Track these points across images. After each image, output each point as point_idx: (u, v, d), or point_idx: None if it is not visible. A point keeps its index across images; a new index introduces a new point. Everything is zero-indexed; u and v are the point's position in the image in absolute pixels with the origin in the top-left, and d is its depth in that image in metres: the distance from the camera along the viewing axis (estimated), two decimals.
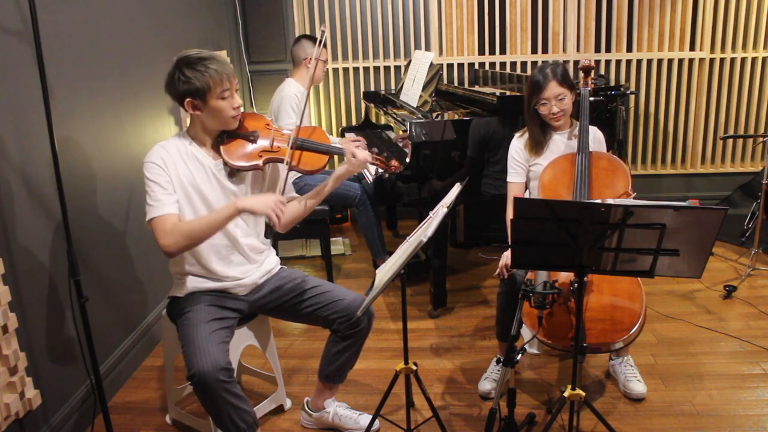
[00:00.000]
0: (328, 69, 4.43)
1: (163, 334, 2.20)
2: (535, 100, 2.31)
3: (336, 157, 2.05)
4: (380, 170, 2.06)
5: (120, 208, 2.59)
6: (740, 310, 3.03)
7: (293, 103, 3.26)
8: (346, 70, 4.47)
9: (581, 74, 2.44)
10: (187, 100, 1.87)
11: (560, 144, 2.41)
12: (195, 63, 1.84)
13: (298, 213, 2.08)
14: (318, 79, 3.51)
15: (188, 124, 2.03)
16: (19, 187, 1.98)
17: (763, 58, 4.30)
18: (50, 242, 2.12)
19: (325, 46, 3.42)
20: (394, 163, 2.03)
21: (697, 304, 3.11)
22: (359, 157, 1.99)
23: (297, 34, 4.29)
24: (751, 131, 4.43)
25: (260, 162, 1.96)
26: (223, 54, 3.92)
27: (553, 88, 2.27)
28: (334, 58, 4.45)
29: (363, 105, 4.34)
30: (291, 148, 1.96)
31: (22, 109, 1.99)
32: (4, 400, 1.85)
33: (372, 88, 4.47)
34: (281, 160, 1.98)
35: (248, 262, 2.07)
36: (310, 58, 3.35)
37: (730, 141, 4.47)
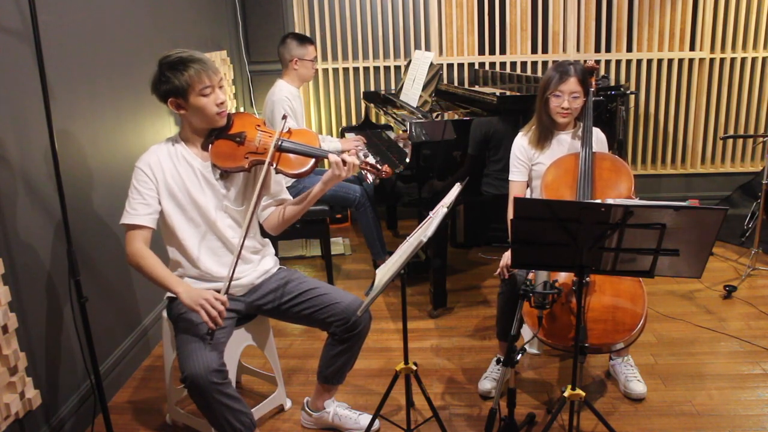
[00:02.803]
0: (327, 69, 4.44)
1: (163, 335, 2.20)
2: (551, 90, 2.31)
3: (326, 162, 2.02)
4: (371, 176, 2.01)
5: (120, 208, 2.55)
6: (740, 310, 3.03)
7: (286, 106, 3.25)
8: (346, 70, 4.47)
9: (587, 75, 2.43)
10: (170, 99, 1.88)
11: (564, 143, 2.41)
12: (175, 62, 1.85)
13: (288, 216, 2.08)
14: (307, 78, 3.47)
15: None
16: (18, 187, 1.98)
17: (763, 58, 4.30)
18: (50, 242, 2.12)
19: (312, 43, 3.40)
20: (386, 168, 1.99)
21: (697, 304, 3.11)
22: (347, 163, 1.93)
23: None
24: (751, 131, 4.43)
25: (245, 164, 1.94)
26: (223, 53, 3.93)
27: (572, 84, 2.28)
28: (335, 58, 4.45)
29: (363, 105, 4.34)
30: (274, 149, 1.93)
31: (22, 109, 1.99)
32: (4, 400, 1.85)
33: (372, 88, 4.47)
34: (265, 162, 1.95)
35: (243, 262, 2.06)
36: (296, 59, 3.33)
37: (730, 141, 4.47)
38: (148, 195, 1.90)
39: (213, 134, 1.97)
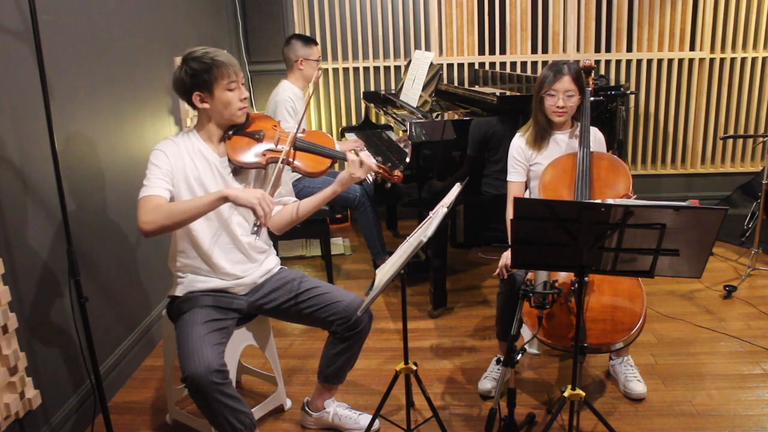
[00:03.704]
0: (327, 69, 4.44)
1: (163, 334, 2.21)
2: (546, 89, 2.32)
3: (338, 162, 2.05)
4: (381, 179, 2.06)
5: (120, 207, 2.59)
6: (740, 310, 3.03)
7: (289, 107, 3.26)
8: (346, 70, 4.47)
9: (582, 74, 2.44)
10: (195, 93, 1.90)
11: (561, 143, 2.41)
12: (201, 57, 1.89)
13: (301, 214, 2.08)
14: (311, 78, 3.48)
15: (190, 124, 2.04)
16: (19, 187, 1.98)
17: (763, 58, 4.30)
18: (50, 242, 2.12)
19: (316, 44, 3.43)
20: (397, 173, 2.05)
21: (697, 304, 3.11)
22: (365, 165, 1.97)
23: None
24: (751, 131, 4.43)
25: (263, 161, 1.97)
26: None
27: (565, 83, 2.28)
28: (334, 58, 4.45)
29: (363, 105, 4.34)
30: (292, 147, 1.97)
31: (22, 109, 1.99)
32: (4, 400, 1.85)
33: (372, 88, 4.47)
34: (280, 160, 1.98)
35: (248, 261, 2.07)
36: (302, 59, 3.35)
37: (730, 141, 4.47)
38: (167, 172, 1.89)
39: (230, 130, 2.00)
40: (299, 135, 2.02)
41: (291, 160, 1.98)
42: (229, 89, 1.91)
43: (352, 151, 2.05)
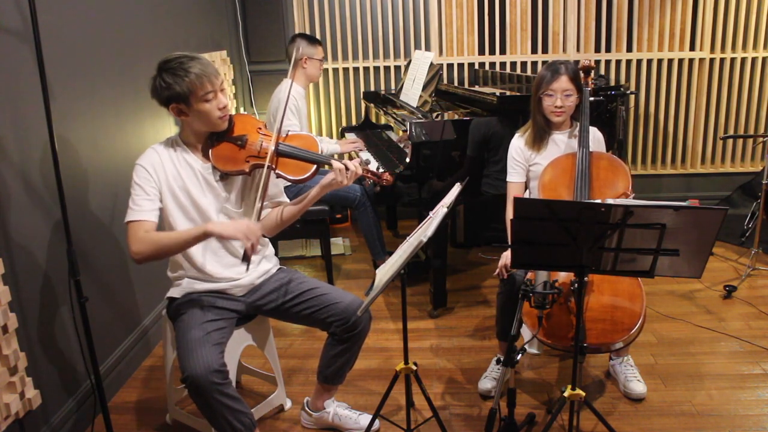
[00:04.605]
0: (327, 69, 4.44)
1: (163, 335, 2.21)
2: (543, 89, 2.31)
3: (327, 167, 2.01)
4: (371, 182, 2.03)
5: (120, 208, 2.58)
6: (740, 310, 3.03)
7: (291, 105, 3.26)
8: (346, 70, 4.47)
9: (581, 74, 2.44)
10: (172, 105, 1.87)
11: (560, 143, 2.41)
12: (175, 68, 1.82)
13: (285, 217, 2.06)
14: (314, 78, 3.50)
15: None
16: (18, 187, 1.98)
17: (763, 58, 4.30)
18: (50, 242, 2.12)
19: (319, 44, 3.44)
20: (386, 176, 2.01)
21: (697, 304, 3.11)
22: (350, 171, 1.93)
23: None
24: (751, 131, 4.43)
25: (246, 168, 1.94)
26: (223, 53, 3.93)
27: (563, 82, 2.28)
28: (334, 58, 4.45)
29: (363, 105, 4.34)
30: (274, 153, 1.93)
31: (22, 109, 1.99)
32: (4, 400, 1.85)
33: (372, 88, 4.47)
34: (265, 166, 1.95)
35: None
36: (306, 58, 3.37)
37: (730, 141, 4.47)
38: (151, 191, 1.88)
39: (214, 136, 1.97)
40: (281, 139, 1.97)
41: (274, 167, 1.93)
42: (206, 100, 1.85)
43: (336, 156, 2.02)
